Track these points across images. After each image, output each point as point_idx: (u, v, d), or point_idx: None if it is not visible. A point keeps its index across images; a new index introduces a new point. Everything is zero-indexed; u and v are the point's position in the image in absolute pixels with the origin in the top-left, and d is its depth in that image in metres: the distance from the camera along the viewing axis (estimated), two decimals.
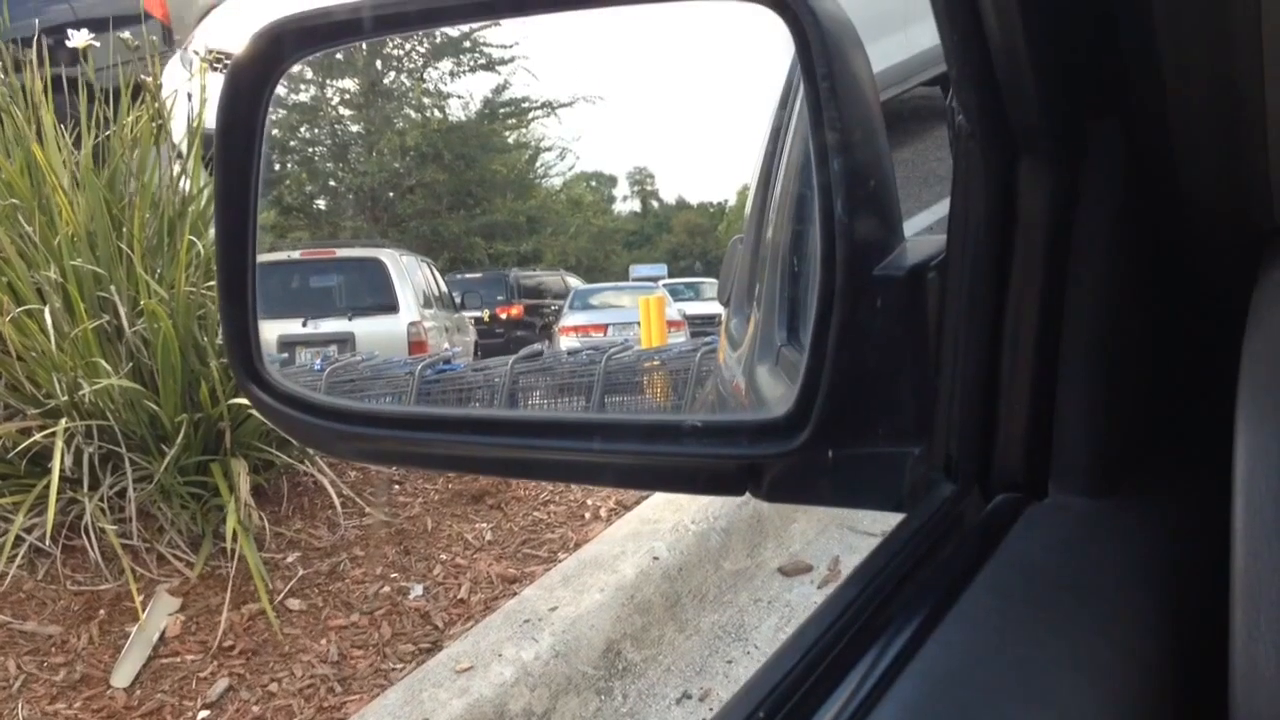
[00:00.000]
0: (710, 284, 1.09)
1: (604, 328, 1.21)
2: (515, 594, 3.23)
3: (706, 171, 1.05)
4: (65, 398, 3.24)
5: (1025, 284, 0.67)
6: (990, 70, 0.62)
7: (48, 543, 3.18)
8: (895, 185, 0.72)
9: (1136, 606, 0.62)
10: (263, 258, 0.83)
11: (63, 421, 3.19)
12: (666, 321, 1.09)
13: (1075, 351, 0.66)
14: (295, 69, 0.93)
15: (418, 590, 3.32)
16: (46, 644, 3.05)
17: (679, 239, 1.11)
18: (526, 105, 1.19)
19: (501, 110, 1.24)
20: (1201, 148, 0.64)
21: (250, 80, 0.86)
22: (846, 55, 0.70)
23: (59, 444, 3.12)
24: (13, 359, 3.28)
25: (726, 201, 1.09)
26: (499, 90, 1.20)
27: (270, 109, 0.88)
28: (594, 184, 1.21)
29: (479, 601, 3.27)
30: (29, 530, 3.19)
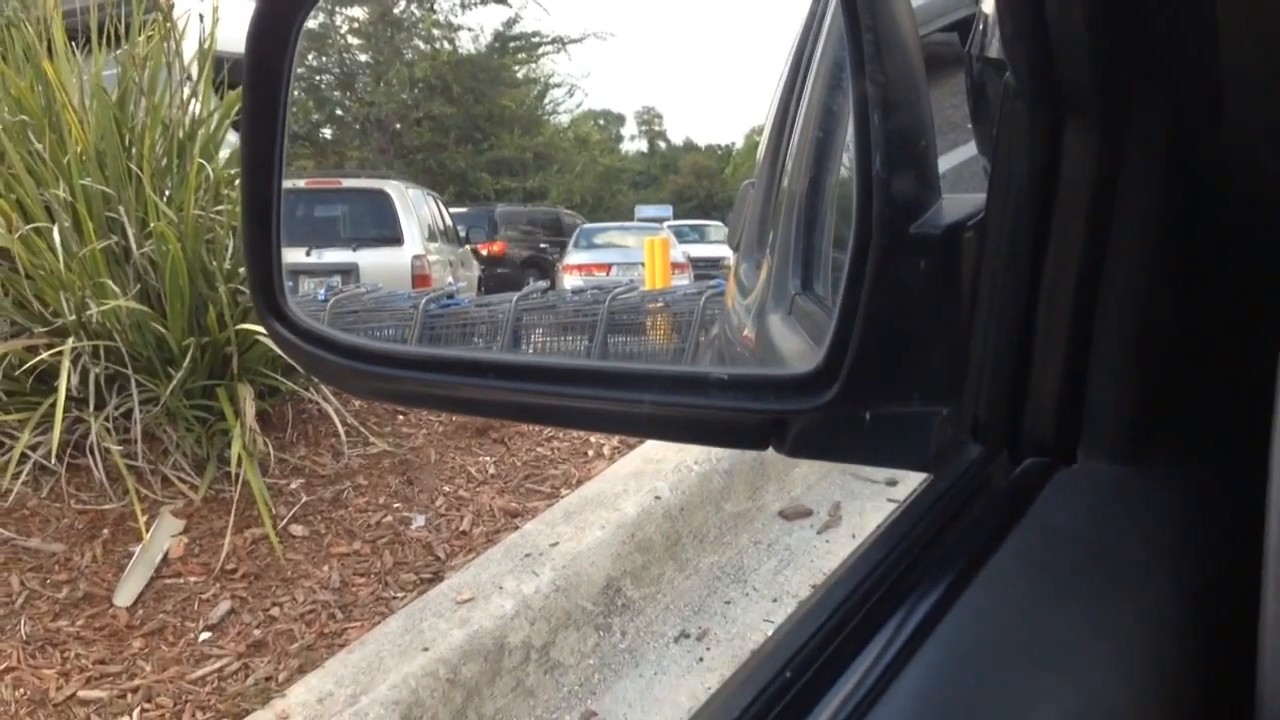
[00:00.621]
0: (715, 227, 1.08)
1: (608, 267, 1.20)
2: (517, 528, 3.27)
3: (715, 113, 1.04)
4: (73, 317, 3.24)
5: (1064, 246, 0.66)
6: (1043, 28, 0.61)
7: (52, 461, 3.20)
8: (935, 141, 0.70)
9: (1165, 576, 0.61)
10: None
11: (70, 341, 3.20)
12: (671, 264, 1.08)
13: (1111, 317, 0.65)
14: None
15: (420, 521, 3.36)
16: (49, 561, 3.09)
17: (685, 181, 1.10)
18: (537, 40, 1.18)
19: (512, 44, 1.23)
20: (1250, 112, 0.62)
21: (275, 16, 0.84)
22: (892, 4, 0.69)
23: (66, 363, 3.13)
24: (20, 277, 3.28)
25: (734, 144, 1.08)
26: (510, 24, 1.19)
27: (305, 18, 0.87)
28: (602, 122, 1.20)
29: (481, 534, 3.30)
30: (33, 448, 3.21)
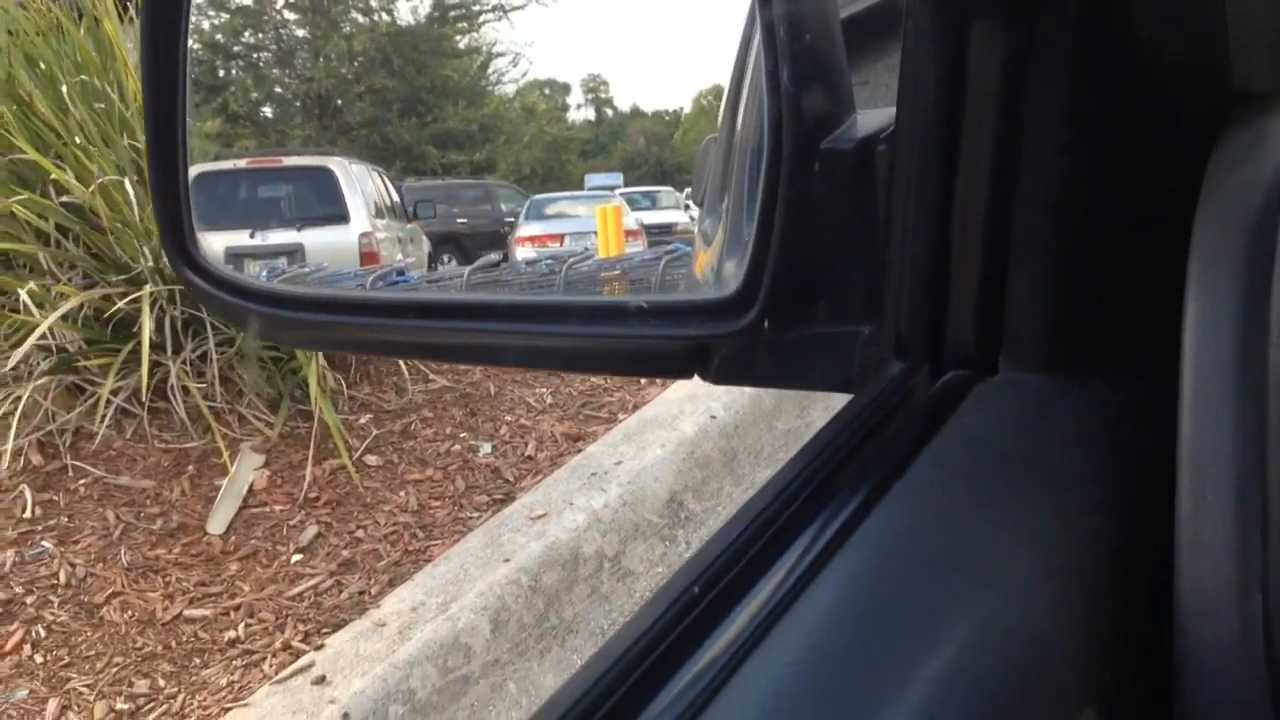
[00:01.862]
0: (667, 192, 1.07)
1: (560, 238, 1.17)
2: (580, 451, 3.37)
3: (662, 79, 1.02)
4: (150, 264, 3.35)
5: (976, 155, 0.64)
6: None
7: (134, 404, 3.34)
8: (844, 55, 0.69)
9: (1085, 481, 0.61)
10: (207, 166, 0.82)
11: (147, 287, 3.30)
12: (624, 231, 1.06)
13: (1028, 225, 0.64)
14: None
15: (486, 448, 3.47)
16: (140, 496, 3.26)
17: (635, 148, 1.09)
18: (477, 8, 1.15)
19: (451, 13, 1.20)
20: (1159, 11, 0.60)
21: None
22: None
23: (145, 308, 3.24)
24: (94, 231, 3.39)
25: (682, 109, 1.06)
26: None
27: None
28: (547, 92, 1.18)
29: (545, 458, 3.40)
30: (115, 393, 3.35)
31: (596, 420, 3.65)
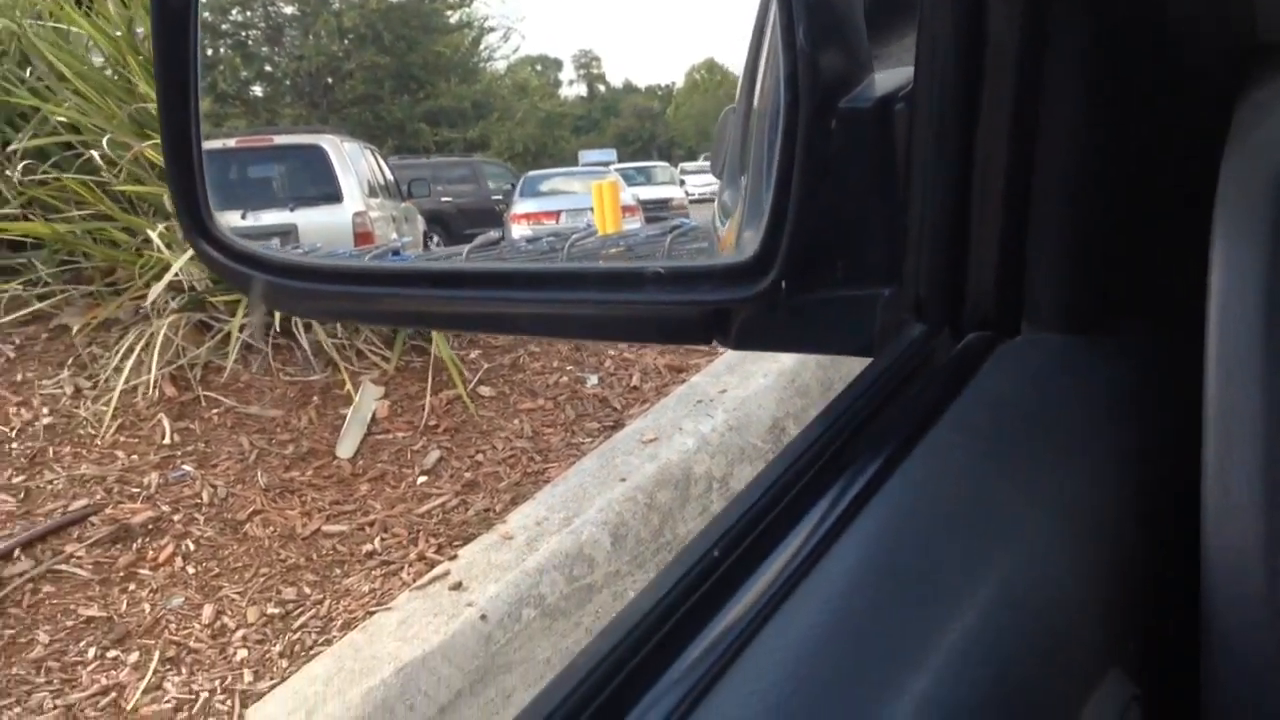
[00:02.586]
0: (662, 168, 1.04)
1: (556, 214, 1.14)
2: (684, 381, 3.45)
3: (654, 54, 0.99)
4: None
5: (996, 112, 0.63)
6: None
7: (259, 340, 3.53)
8: (861, 13, 0.68)
9: (1108, 441, 0.60)
10: None
11: None
12: (621, 206, 1.03)
13: (1049, 183, 0.63)
14: None
15: (593, 380, 3.58)
16: (271, 425, 3.44)
17: (628, 123, 1.06)
18: None
19: None
20: None
21: None
22: None
23: None
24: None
25: (675, 84, 1.03)
26: None
27: None
28: (539, 68, 1.15)
29: (650, 388, 3.52)
30: (240, 329, 3.53)
31: (697, 354, 3.73)
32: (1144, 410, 0.62)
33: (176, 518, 3.10)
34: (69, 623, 2.74)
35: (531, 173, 1.22)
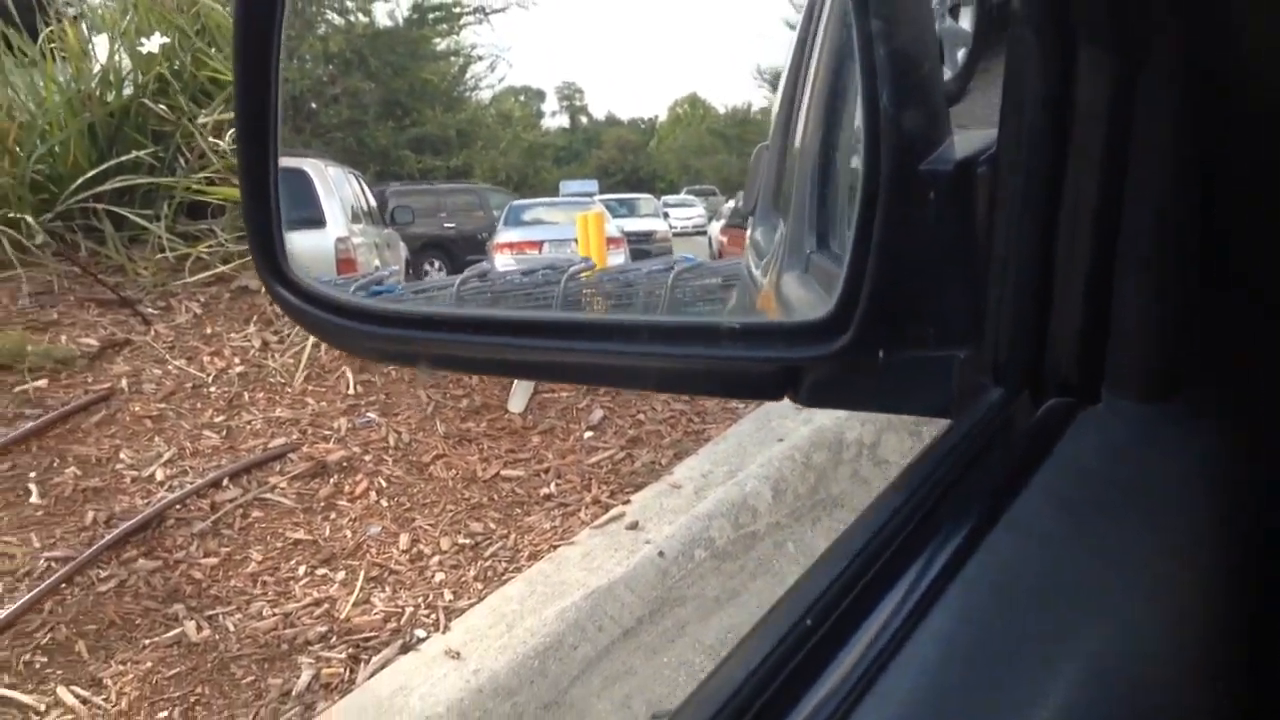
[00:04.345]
0: (645, 200, 1.00)
1: (539, 244, 1.15)
2: None
3: (637, 87, 0.96)
4: None
5: (1082, 179, 0.62)
6: None
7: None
8: (942, 74, 0.67)
9: (1194, 514, 0.59)
10: None
11: None
12: (606, 238, 0.99)
13: (1133, 250, 0.61)
14: None
15: None
16: (444, 381, 3.62)
17: (609, 155, 1.02)
18: (458, 10, 1.08)
19: (430, 15, 1.13)
20: (1266, 39, 0.54)
21: None
22: None
23: None
24: None
25: (657, 117, 0.99)
26: None
27: None
28: (523, 98, 1.10)
29: None
30: None
31: None
32: (1230, 480, 0.60)
33: (367, 458, 3.31)
34: (278, 544, 2.99)
35: (515, 201, 1.18)
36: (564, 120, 1.07)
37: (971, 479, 0.63)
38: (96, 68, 4.54)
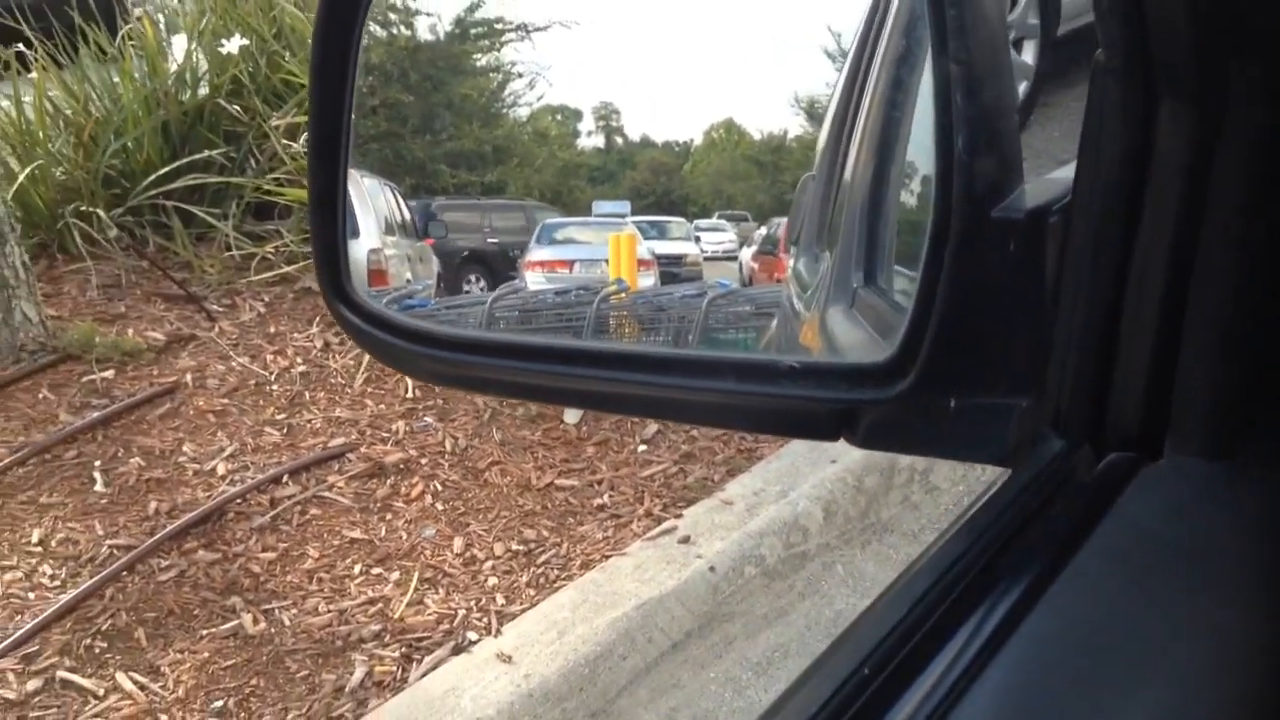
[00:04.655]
0: (677, 223, 0.99)
1: (570, 264, 1.12)
2: None
3: (674, 110, 0.96)
4: None
5: (1156, 233, 0.62)
6: (1140, 12, 0.57)
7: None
8: (1016, 123, 0.66)
9: (1257, 575, 0.59)
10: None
11: None
12: (637, 260, 0.99)
13: (1203, 306, 0.61)
14: None
15: None
16: None
17: (643, 177, 1.01)
18: (500, 26, 1.07)
19: (473, 30, 1.13)
20: None
21: None
22: None
23: None
24: None
25: (693, 140, 0.98)
26: (472, 8, 1.09)
27: (369, 11, 0.87)
28: (559, 117, 1.09)
29: None
30: None
31: None
32: None
33: (424, 461, 3.35)
34: (335, 542, 3.03)
35: (548, 220, 1.18)
36: (599, 140, 1.07)
37: (1032, 532, 0.63)
38: (173, 67, 4.64)
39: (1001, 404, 0.67)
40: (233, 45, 4.43)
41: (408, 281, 1.20)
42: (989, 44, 0.65)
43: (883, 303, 0.84)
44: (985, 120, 0.65)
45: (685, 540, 2.98)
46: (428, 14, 1.02)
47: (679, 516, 3.11)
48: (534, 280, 1.17)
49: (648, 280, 1.02)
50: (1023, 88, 5.91)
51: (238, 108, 4.48)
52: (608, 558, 2.95)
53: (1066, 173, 0.67)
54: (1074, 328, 0.65)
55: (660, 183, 1.03)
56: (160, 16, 5.07)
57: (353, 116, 0.86)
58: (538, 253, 1.18)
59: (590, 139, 1.06)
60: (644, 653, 2.69)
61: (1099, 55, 0.61)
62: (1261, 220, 0.59)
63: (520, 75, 1.08)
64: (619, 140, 1.04)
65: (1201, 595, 0.56)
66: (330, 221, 0.89)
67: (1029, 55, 5.93)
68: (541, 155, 1.15)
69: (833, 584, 3.00)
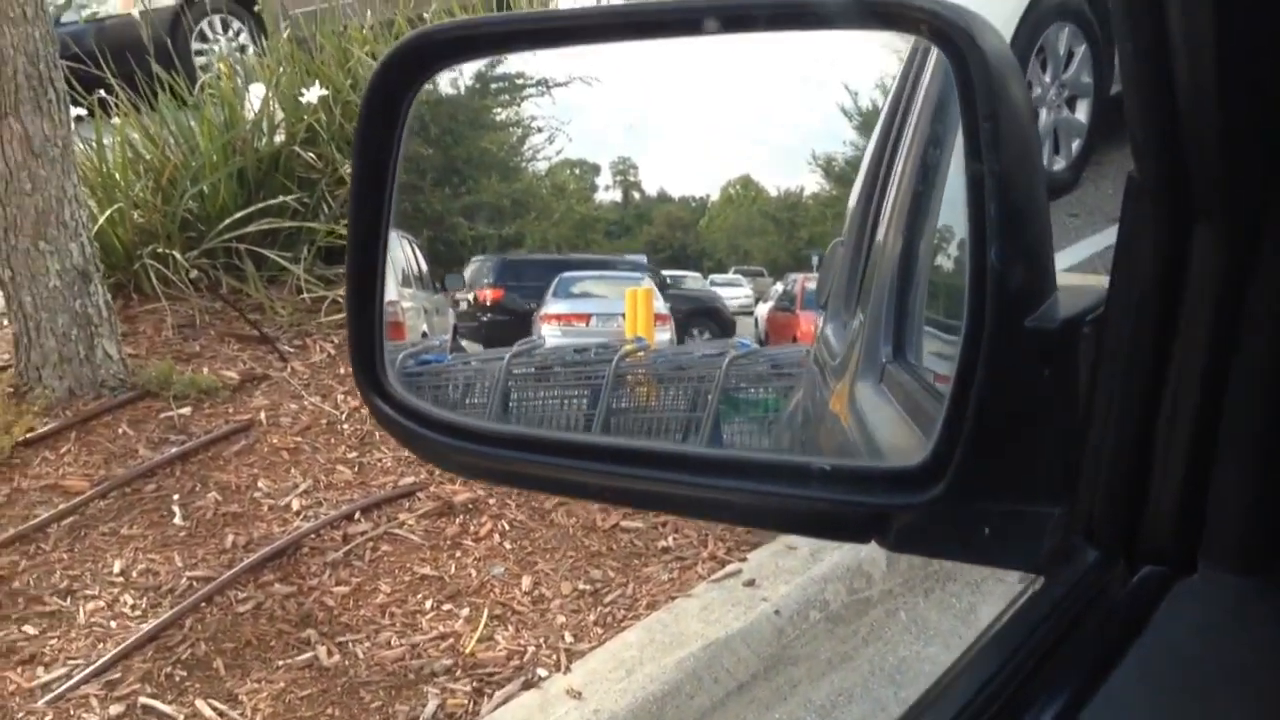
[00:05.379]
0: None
1: (587, 318, 1.12)
2: None
3: (691, 166, 0.97)
4: None
5: (1189, 350, 0.62)
6: (1176, 135, 0.57)
7: None
8: (1051, 232, 0.67)
9: None
10: None
11: None
12: (654, 314, 0.99)
13: (1237, 422, 0.61)
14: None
15: None
16: None
17: (659, 231, 1.01)
18: (521, 82, 1.08)
19: (493, 85, 1.14)
20: None
21: (387, 92, 0.87)
22: (1010, 92, 0.66)
23: None
24: None
25: (709, 196, 0.99)
26: (494, 64, 1.10)
27: (408, 122, 0.89)
28: (577, 171, 1.09)
29: None
30: None
31: None
32: None
33: (491, 501, 3.40)
34: (406, 578, 3.09)
35: (565, 274, 1.17)
36: (617, 195, 1.08)
37: (1065, 651, 0.63)
38: (250, 115, 4.77)
39: (1034, 511, 0.68)
40: (313, 95, 4.55)
41: (424, 335, 1.20)
42: (1022, 153, 0.66)
43: (911, 379, 0.84)
44: (1018, 229, 0.65)
45: (750, 584, 2.98)
46: (450, 69, 1.04)
47: (743, 560, 3.12)
48: (550, 333, 1.17)
49: (664, 335, 1.03)
50: (1076, 145, 5.88)
51: (312, 155, 4.59)
52: (673, 599, 2.97)
53: (1100, 280, 0.67)
54: (1107, 438, 0.65)
55: (676, 237, 1.04)
56: (239, 67, 5.23)
57: (392, 211, 0.88)
58: (554, 306, 1.17)
59: (608, 193, 1.07)
60: (710, 692, 2.71)
61: (1133, 173, 0.62)
62: None
63: (540, 130, 1.10)
64: (636, 195, 1.05)
65: (1239, 716, 0.56)
66: (368, 313, 0.90)
67: (1082, 114, 5.91)
68: (559, 209, 1.15)
69: (896, 630, 2.99)
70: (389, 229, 0.88)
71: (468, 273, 1.21)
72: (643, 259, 1.08)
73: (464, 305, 1.20)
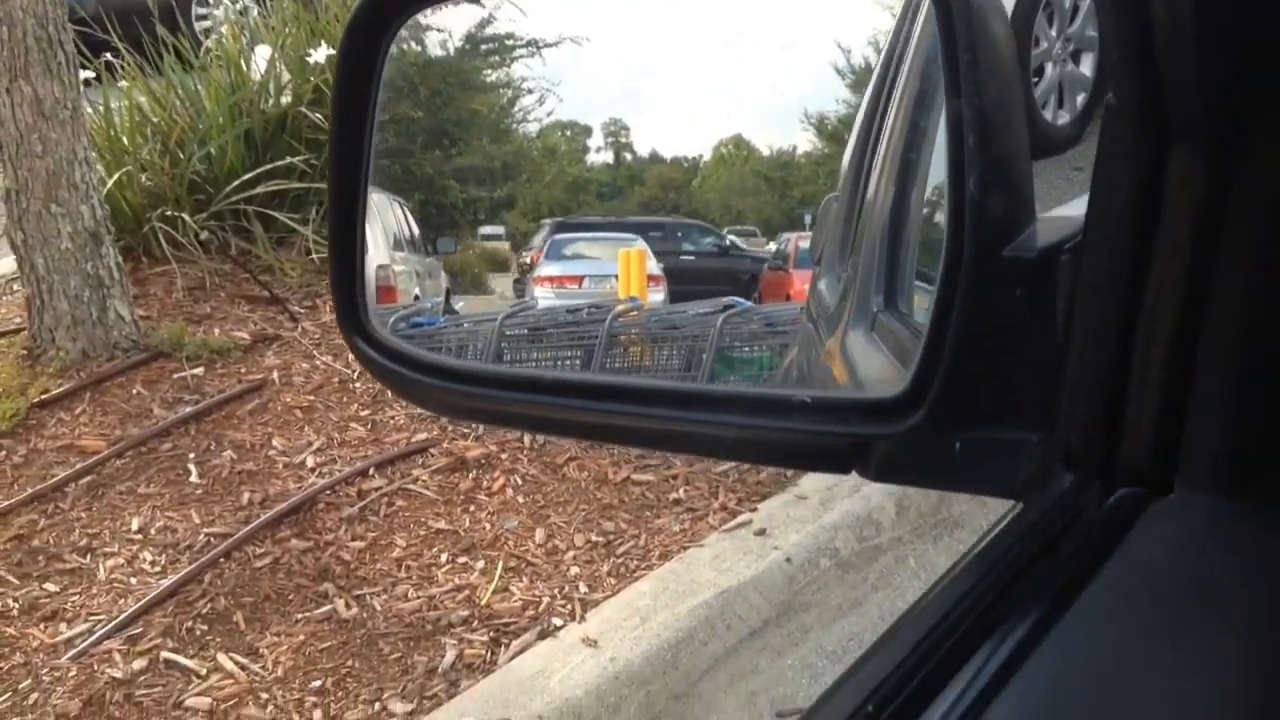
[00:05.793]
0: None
1: (580, 279, 1.15)
2: None
3: (683, 126, 0.96)
4: None
5: (1166, 275, 0.62)
6: (1151, 53, 0.57)
7: None
8: (1030, 163, 0.67)
9: (1267, 612, 0.59)
10: None
11: None
12: (647, 275, 0.98)
13: (1214, 345, 0.62)
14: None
15: None
16: None
17: (652, 192, 1.00)
18: (511, 43, 1.06)
19: (483, 46, 1.12)
20: None
21: (363, 36, 0.86)
22: (989, 26, 0.66)
23: None
24: None
25: (701, 156, 0.97)
26: (483, 24, 1.08)
27: (385, 66, 0.88)
28: (569, 133, 1.07)
29: None
30: None
31: None
32: None
33: (504, 456, 3.42)
34: (421, 532, 3.12)
35: (558, 236, 1.14)
36: (609, 156, 1.07)
37: (1039, 569, 0.64)
38: (256, 77, 4.76)
39: (1012, 438, 0.68)
40: (319, 55, 4.53)
41: (416, 298, 1.19)
42: (1001, 86, 0.66)
43: (902, 327, 0.85)
44: (997, 160, 0.66)
45: (761, 533, 3.03)
46: (439, 30, 1.02)
47: (754, 510, 3.16)
48: (543, 295, 1.17)
49: (657, 296, 1.02)
50: (1081, 99, 5.81)
51: (319, 116, 4.58)
52: (685, 549, 3.00)
53: (1077, 210, 0.67)
54: (1085, 364, 0.65)
55: (669, 198, 1.03)
56: (244, 30, 5.20)
57: (371, 155, 0.87)
58: (547, 268, 1.17)
59: (599, 155, 1.06)
60: (723, 639, 2.74)
61: (1110, 99, 0.62)
62: (1273, 267, 0.59)
63: (530, 91, 1.08)
64: (628, 156, 1.04)
65: (1209, 634, 0.57)
66: (349, 255, 0.89)
67: (1087, 67, 5.84)
68: (551, 171, 1.15)
69: (905, 576, 3.04)
70: (370, 170, 0.87)
71: (538, 238, 1.21)
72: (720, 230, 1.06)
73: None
